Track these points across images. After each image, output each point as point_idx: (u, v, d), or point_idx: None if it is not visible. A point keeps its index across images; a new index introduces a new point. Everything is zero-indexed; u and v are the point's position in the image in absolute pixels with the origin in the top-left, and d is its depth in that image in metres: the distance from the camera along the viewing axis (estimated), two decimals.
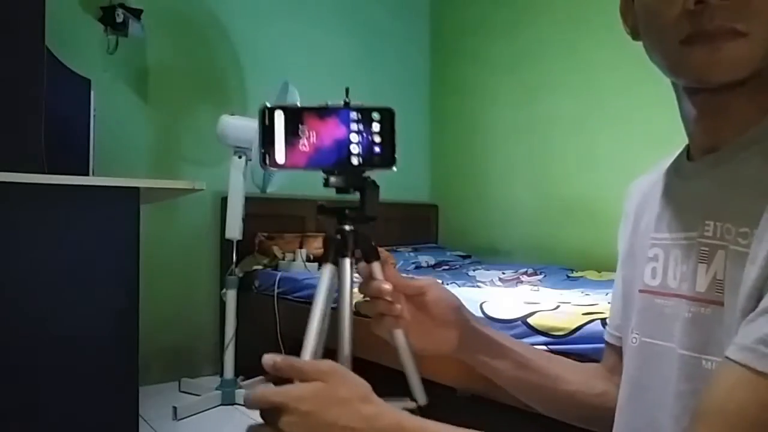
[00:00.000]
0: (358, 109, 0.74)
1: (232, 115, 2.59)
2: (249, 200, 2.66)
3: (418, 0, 4.03)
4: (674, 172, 0.62)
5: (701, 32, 0.50)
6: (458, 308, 0.73)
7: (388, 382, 0.73)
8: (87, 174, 1.85)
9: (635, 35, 0.60)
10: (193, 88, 3.05)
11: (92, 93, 1.97)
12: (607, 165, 2.99)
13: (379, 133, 0.74)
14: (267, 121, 0.75)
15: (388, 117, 0.73)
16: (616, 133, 2.95)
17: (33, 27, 1.40)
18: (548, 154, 3.32)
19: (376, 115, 0.73)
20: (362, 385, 0.52)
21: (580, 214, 3.13)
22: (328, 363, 0.53)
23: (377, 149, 0.74)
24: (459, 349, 0.73)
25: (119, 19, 2.64)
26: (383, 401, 0.52)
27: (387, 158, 0.73)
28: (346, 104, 0.75)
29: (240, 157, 2.58)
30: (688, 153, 0.61)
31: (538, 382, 0.74)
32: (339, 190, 0.81)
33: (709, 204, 0.54)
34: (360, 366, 0.59)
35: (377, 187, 0.67)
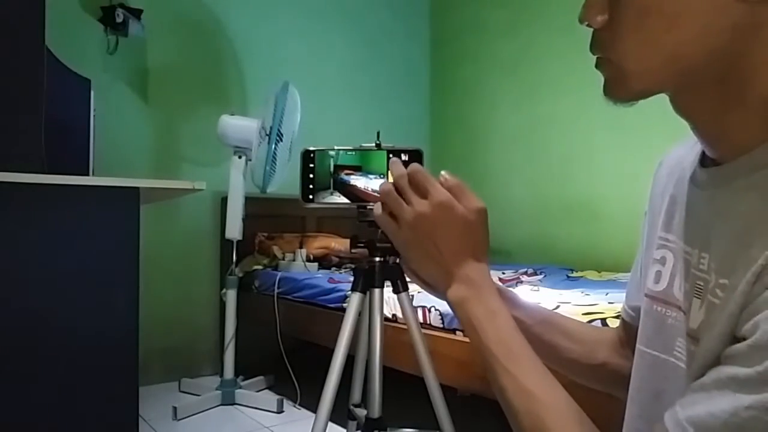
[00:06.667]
0: (388, 151, 0.81)
1: (232, 115, 2.59)
2: (249, 200, 2.67)
3: (418, 0, 4.04)
4: (690, 172, 0.55)
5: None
6: None
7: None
8: (87, 174, 1.84)
9: None
10: (193, 88, 3.05)
11: (92, 93, 1.96)
12: (606, 165, 2.99)
13: None
14: (307, 162, 0.84)
15: (416, 157, 0.80)
16: (616, 133, 2.95)
17: (33, 27, 1.40)
18: (548, 154, 3.32)
19: (404, 156, 0.80)
20: (485, 243, 0.57)
21: (579, 214, 3.14)
22: (481, 203, 0.56)
23: None
24: None
25: (119, 19, 2.64)
26: (487, 268, 0.57)
27: None
28: (378, 146, 0.83)
29: (240, 157, 2.58)
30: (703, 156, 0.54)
31: (536, 348, 0.73)
32: (371, 224, 0.89)
33: (706, 230, 0.49)
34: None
35: None
